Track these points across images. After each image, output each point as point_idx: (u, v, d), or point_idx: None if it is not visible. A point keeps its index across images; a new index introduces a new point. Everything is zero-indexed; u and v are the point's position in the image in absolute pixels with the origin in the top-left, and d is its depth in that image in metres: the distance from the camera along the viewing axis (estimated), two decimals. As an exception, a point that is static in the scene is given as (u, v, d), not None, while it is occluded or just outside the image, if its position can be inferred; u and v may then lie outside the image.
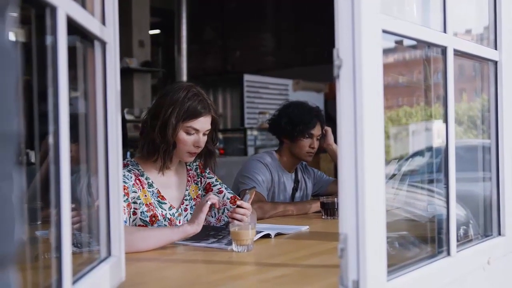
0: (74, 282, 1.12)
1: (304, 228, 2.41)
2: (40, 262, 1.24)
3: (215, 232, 2.21)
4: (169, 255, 1.91)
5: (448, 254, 1.56)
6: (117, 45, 1.45)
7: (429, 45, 1.61)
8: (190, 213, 2.37)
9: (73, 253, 1.10)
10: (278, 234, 2.25)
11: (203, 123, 2.26)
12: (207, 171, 2.48)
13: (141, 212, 2.21)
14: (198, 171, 2.48)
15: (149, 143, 2.25)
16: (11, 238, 0.61)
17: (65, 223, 1.05)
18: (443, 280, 1.53)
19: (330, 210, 2.71)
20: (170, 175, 2.36)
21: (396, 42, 1.53)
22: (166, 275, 1.72)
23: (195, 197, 2.42)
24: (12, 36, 0.63)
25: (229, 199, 2.41)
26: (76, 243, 1.35)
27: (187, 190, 2.41)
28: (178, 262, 1.83)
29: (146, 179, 2.28)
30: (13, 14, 0.64)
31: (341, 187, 1.21)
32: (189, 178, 2.43)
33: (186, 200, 2.39)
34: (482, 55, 1.82)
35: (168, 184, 2.35)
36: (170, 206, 2.31)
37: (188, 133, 2.24)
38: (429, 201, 1.97)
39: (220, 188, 2.46)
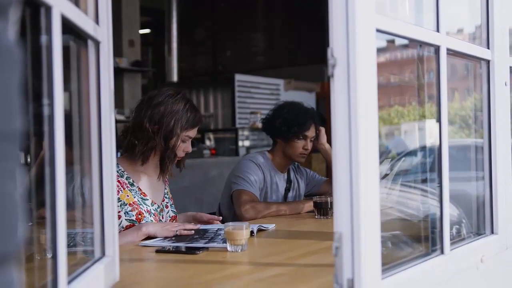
0: (69, 282, 1.12)
1: (271, 227, 2.43)
2: (34, 262, 1.24)
3: (202, 233, 2.21)
4: (163, 255, 1.91)
5: (442, 252, 1.56)
6: (110, 44, 1.44)
7: (423, 44, 1.62)
8: (172, 210, 2.51)
9: (68, 253, 1.09)
10: (260, 230, 2.30)
11: (196, 131, 2.44)
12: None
13: (125, 213, 2.28)
14: (167, 177, 2.59)
15: (149, 150, 2.34)
16: (14, 236, 0.61)
17: (60, 224, 1.04)
18: (437, 278, 1.54)
19: (323, 209, 2.72)
20: (150, 175, 2.45)
21: (388, 41, 1.54)
22: (160, 275, 1.72)
23: (171, 197, 2.57)
24: (14, 36, 0.63)
25: (170, 217, 2.51)
26: (69, 243, 1.34)
27: (166, 189, 2.54)
28: (172, 262, 1.83)
29: (126, 179, 2.36)
30: (16, 13, 0.64)
31: (336, 186, 1.21)
32: (166, 180, 2.56)
33: (166, 197, 2.52)
34: (474, 54, 1.83)
35: (149, 183, 2.44)
36: (152, 202, 2.40)
37: (183, 141, 2.38)
38: (421, 200, 1.98)
39: (169, 202, 2.56)
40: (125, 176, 2.35)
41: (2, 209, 0.59)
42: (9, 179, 0.60)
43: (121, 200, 2.27)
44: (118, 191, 2.26)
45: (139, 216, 2.30)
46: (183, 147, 2.39)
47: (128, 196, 2.31)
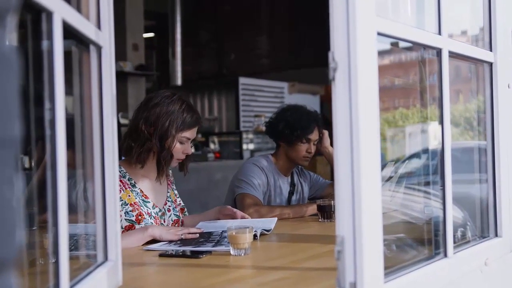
0: (71, 286, 1.12)
1: (274, 221, 2.46)
2: (38, 267, 1.24)
3: (207, 237, 2.20)
4: (166, 259, 1.91)
5: (445, 255, 1.56)
6: (112, 49, 1.44)
7: (425, 47, 1.61)
8: (174, 214, 2.50)
9: (70, 257, 1.10)
10: (262, 234, 2.29)
11: (195, 132, 2.42)
12: (173, 181, 2.62)
13: (125, 213, 2.28)
14: (172, 179, 2.61)
15: (146, 151, 2.33)
16: (12, 242, 0.61)
17: (62, 228, 1.04)
18: (440, 281, 1.53)
19: (326, 213, 2.71)
20: (152, 178, 2.44)
21: (392, 44, 1.54)
22: (163, 280, 1.72)
23: (174, 200, 2.55)
24: (12, 42, 0.63)
25: (172, 221, 2.50)
26: (71, 247, 1.35)
27: (168, 192, 2.53)
28: (175, 267, 1.83)
29: (128, 180, 2.36)
30: (13, 19, 0.64)
31: (338, 189, 1.21)
32: (169, 183, 2.56)
33: (168, 201, 2.51)
34: (477, 57, 1.82)
35: (151, 186, 2.44)
36: (153, 205, 2.40)
37: (180, 143, 2.37)
38: (425, 203, 1.97)
39: (177, 200, 2.58)
40: (127, 177, 2.36)
41: (0, 215, 0.59)
42: (7, 185, 0.60)
43: (122, 200, 2.27)
44: (120, 190, 2.26)
45: (139, 217, 2.30)
46: (182, 149, 2.38)
47: (129, 196, 2.31)
